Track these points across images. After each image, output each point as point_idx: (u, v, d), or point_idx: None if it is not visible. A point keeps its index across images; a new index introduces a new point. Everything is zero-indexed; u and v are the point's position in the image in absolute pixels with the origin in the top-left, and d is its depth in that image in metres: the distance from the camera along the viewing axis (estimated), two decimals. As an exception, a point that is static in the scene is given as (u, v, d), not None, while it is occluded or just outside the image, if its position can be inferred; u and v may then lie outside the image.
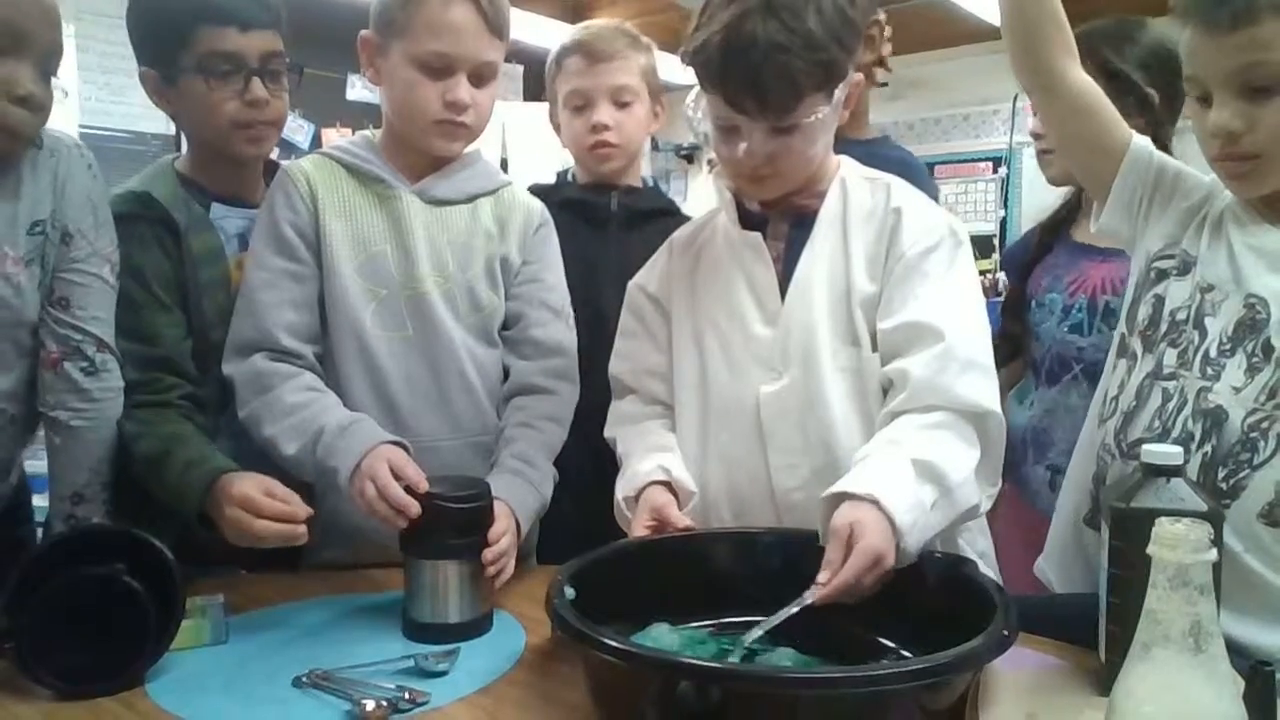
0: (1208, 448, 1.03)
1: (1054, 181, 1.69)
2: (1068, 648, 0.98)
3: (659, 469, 1.14)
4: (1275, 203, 1.07)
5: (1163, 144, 1.57)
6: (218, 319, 1.29)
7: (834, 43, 1.06)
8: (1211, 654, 0.61)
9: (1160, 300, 1.13)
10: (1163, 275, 1.14)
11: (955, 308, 1.10)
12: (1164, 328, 1.12)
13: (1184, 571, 0.61)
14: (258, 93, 1.29)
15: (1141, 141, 1.18)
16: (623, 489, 1.16)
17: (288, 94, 1.35)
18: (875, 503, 0.92)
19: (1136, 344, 1.15)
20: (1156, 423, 1.08)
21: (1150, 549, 0.63)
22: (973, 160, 5.92)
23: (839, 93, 1.11)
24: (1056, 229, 1.71)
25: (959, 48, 5.36)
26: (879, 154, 1.49)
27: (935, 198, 1.36)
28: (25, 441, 1.25)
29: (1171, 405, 1.07)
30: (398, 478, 1.08)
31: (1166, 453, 0.86)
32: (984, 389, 1.06)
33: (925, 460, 0.98)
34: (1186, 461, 1.02)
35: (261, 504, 1.09)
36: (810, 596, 0.90)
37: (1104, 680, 0.85)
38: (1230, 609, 0.98)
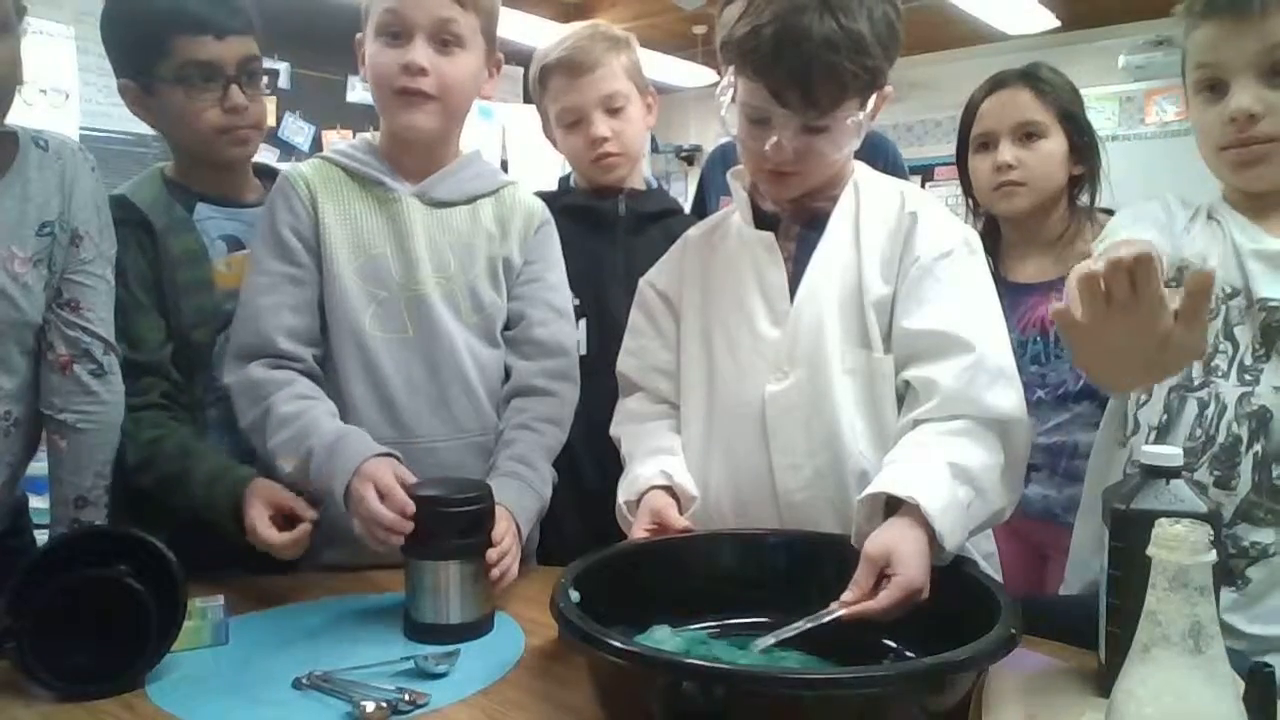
0: (1257, 448, 1.04)
1: (1016, 214, 1.66)
2: (1068, 648, 0.99)
3: (660, 473, 1.14)
4: (1268, 209, 1.08)
5: (1093, 175, 1.64)
6: (198, 320, 1.30)
7: (880, 49, 1.06)
8: (1211, 655, 0.61)
9: None
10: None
11: (980, 317, 1.10)
12: None
13: (1184, 573, 0.61)
14: (237, 100, 1.30)
15: None
16: (624, 493, 1.16)
17: (267, 94, 1.36)
18: (915, 504, 0.92)
19: None
20: (1199, 431, 1.08)
21: (1150, 550, 0.63)
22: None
23: (872, 101, 1.11)
24: None
25: (959, 49, 5.37)
26: None
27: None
28: (31, 451, 1.25)
29: (1210, 413, 1.08)
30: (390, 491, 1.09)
31: (1166, 454, 0.86)
32: (1011, 399, 1.06)
33: (959, 462, 0.98)
34: (1238, 463, 1.04)
35: (270, 544, 1.16)
36: (837, 611, 0.90)
37: (1104, 681, 0.86)
38: None
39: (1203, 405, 1.09)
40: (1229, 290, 1.10)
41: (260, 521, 1.16)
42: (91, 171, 1.21)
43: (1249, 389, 1.06)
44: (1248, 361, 1.07)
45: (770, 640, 0.90)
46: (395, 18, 1.24)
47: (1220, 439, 1.06)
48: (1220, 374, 1.09)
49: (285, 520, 1.19)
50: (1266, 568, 1.02)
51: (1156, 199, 1.20)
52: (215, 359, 1.32)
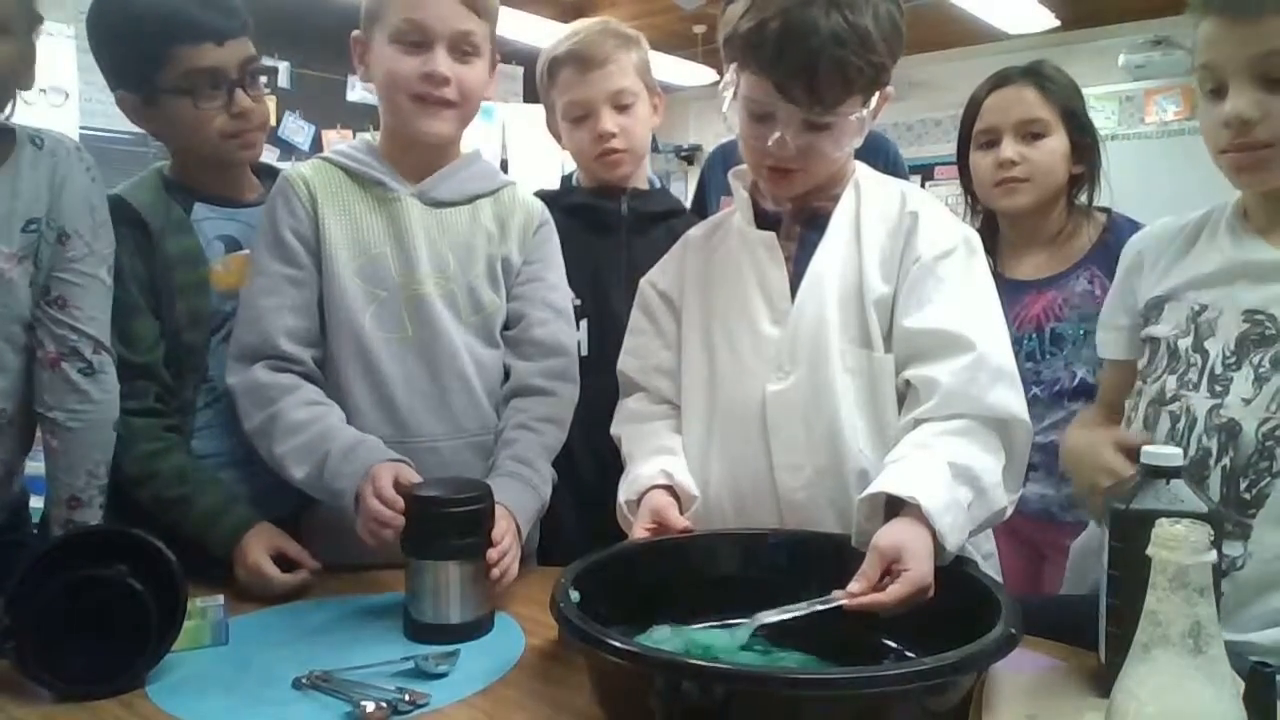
0: (1226, 460, 1.03)
1: (1017, 211, 1.67)
2: (1068, 649, 0.99)
3: (661, 473, 1.14)
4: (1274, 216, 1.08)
5: (1093, 173, 1.65)
6: (189, 321, 1.31)
7: (885, 46, 1.06)
8: (1211, 655, 0.61)
9: (1154, 340, 1.15)
10: (1153, 309, 1.16)
11: (980, 316, 1.10)
12: (1165, 360, 1.12)
13: (1184, 573, 0.61)
14: (244, 104, 1.30)
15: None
16: (625, 492, 1.16)
17: (267, 92, 1.36)
18: (915, 504, 0.93)
19: (1138, 383, 1.16)
20: (1171, 444, 1.08)
21: (1150, 550, 0.63)
22: (973, 162, 5.92)
23: (874, 99, 1.11)
24: None
25: (960, 49, 5.37)
26: None
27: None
28: (26, 448, 1.26)
29: (1181, 426, 1.08)
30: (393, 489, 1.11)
31: (1166, 454, 0.86)
32: (1012, 398, 1.06)
33: (960, 463, 0.99)
34: (1206, 476, 1.03)
35: (270, 579, 1.20)
36: (841, 599, 0.90)
37: (1104, 681, 0.85)
38: (1268, 611, 0.97)
39: (1174, 419, 1.09)
40: (1197, 308, 1.10)
41: (264, 561, 1.21)
42: (86, 171, 1.21)
43: (1218, 400, 1.05)
44: (1218, 370, 1.06)
45: (773, 617, 0.90)
46: (415, 27, 1.24)
47: (1191, 452, 1.05)
48: (1191, 386, 1.08)
49: (279, 562, 1.23)
50: (1235, 582, 1.01)
51: (1154, 230, 1.21)
52: (211, 359, 1.32)
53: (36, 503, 1.32)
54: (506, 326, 1.37)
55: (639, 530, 1.08)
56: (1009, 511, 1.06)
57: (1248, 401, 1.03)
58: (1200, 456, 1.05)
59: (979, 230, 1.72)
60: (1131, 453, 0.99)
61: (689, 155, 6.88)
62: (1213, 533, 0.62)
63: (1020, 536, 1.67)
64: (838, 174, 1.19)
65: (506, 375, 1.36)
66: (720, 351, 1.19)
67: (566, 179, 1.74)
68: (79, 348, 1.18)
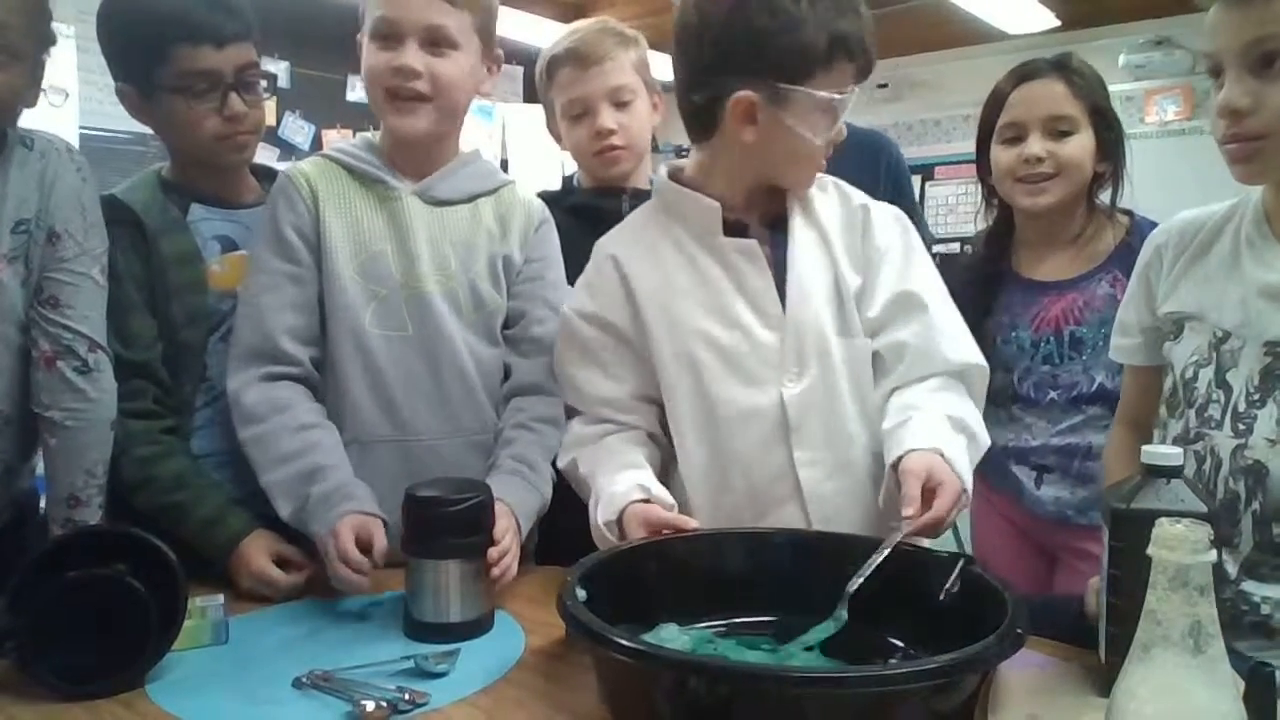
0: (1256, 505, 1.02)
1: (1042, 209, 1.61)
2: (1068, 648, 0.99)
3: (637, 488, 1.09)
4: None
5: (1117, 172, 1.61)
6: (186, 320, 1.31)
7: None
8: (1211, 655, 0.61)
9: (1173, 364, 1.13)
10: (1172, 325, 1.14)
11: (928, 278, 1.20)
12: (1181, 391, 1.11)
13: (1184, 572, 0.61)
14: (236, 108, 1.30)
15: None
16: (603, 513, 1.09)
17: (266, 98, 1.37)
18: (940, 453, 1.01)
19: (1163, 410, 1.16)
20: (1199, 486, 1.05)
21: (1150, 550, 0.63)
22: (973, 161, 5.92)
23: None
24: (995, 263, 1.69)
25: (959, 49, 5.36)
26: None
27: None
28: (28, 448, 1.26)
29: (1207, 467, 1.06)
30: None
31: (1166, 454, 0.86)
32: (966, 345, 1.18)
33: (953, 415, 1.09)
34: (1238, 520, 1.01)
35: (275, 582, 1.20)
36: (906, 529, 0.96)
37: (1104, 681, 0.85)
38: None
39: (1200, 459, 1.06)
40: (1220, 334, 1.07)
41: (268, 565, 1.21)
42: (77, 171, 1.22)
43: (1242, 440, 1.03)
44: (1241, 408, 1.04)
45: (856, 581, 0.93)
46: (387, 23, 1.24)
47: (1220, 495, 1.03)
48: (1214, 424, 1.06)
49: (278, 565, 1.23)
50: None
51: (1173, 226, 1.18)
52: (209, 358, 1.32)
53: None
54: (506, 325, 1.37)
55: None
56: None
57: (1273, 442, 1.00)
58: (1229, 500, 1.03)
59: (994, 227, 1.71)
60: None
61: (688, 155, 6.88)
62: (1212, 532, 0.62)
63: (1034, 539, 1.66)
64: None
65: (506, 374, 1.36)
66: (707, 365, 1.16)
67: (568, 180, 1.74)
68: (74, 346, 1.18)
